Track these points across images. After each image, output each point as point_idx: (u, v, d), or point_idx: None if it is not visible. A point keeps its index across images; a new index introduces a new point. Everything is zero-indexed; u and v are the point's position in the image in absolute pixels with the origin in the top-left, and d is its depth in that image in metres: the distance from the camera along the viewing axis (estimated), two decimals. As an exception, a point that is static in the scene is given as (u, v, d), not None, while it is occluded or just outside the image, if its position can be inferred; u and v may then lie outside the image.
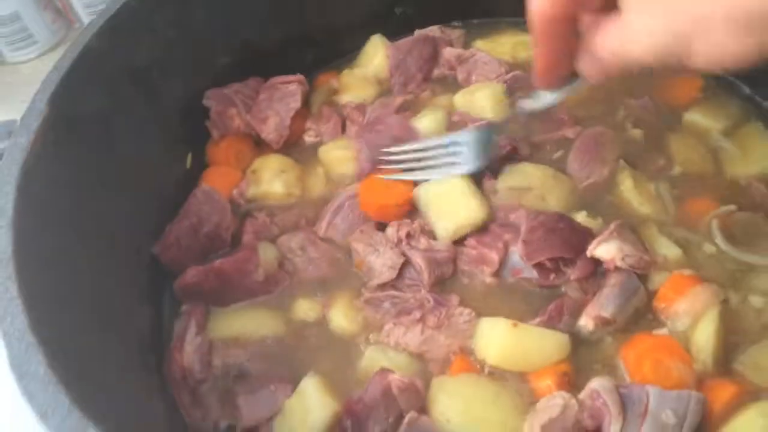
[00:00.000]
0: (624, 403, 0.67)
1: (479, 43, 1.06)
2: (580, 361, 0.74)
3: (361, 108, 0.97)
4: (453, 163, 0.85)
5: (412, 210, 0.85)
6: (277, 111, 0.95)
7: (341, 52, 1.07)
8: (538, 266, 0.78)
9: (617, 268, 0.76)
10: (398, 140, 0.90)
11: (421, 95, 1.00)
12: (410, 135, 0.91)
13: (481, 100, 0.94)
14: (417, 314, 0.76)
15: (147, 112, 0.88)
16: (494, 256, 0.79)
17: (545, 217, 0.79)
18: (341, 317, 0.80)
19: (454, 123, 0.93)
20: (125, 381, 0.69)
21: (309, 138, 0.99)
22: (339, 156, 0.93)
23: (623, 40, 0.60)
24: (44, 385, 0.53)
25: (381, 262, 0.79)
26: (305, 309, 0.81)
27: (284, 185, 0.92)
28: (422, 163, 0.86)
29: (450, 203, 0.82)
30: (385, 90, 1.02)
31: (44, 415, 0.52)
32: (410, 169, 0.87)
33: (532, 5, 0.64)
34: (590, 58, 0.65)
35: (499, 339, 0.74)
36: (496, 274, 0.79)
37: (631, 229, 0.80)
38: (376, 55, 1.03)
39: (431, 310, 0.76)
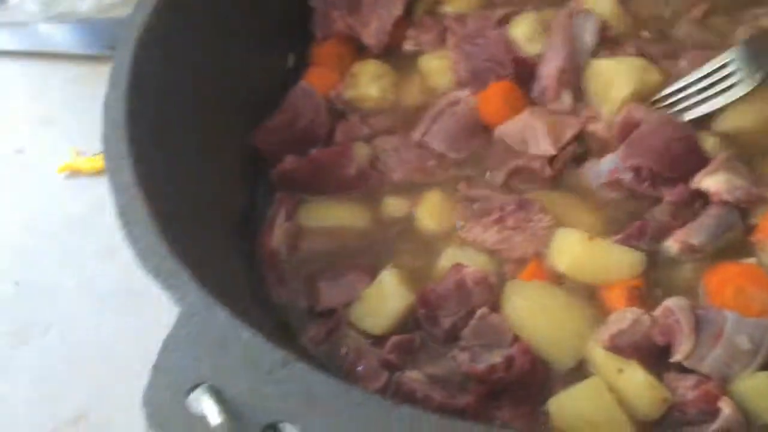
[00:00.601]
0: (698, 324, 0.67)
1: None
2: (657, 281, 0.74)
3: (461, 19, 0.96)
4: (726, 88, 0.82)
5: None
6: (379, 16, 0.96)
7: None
8: (636, 170, 0.77)
9: (720, 201, 0.74)
10: (496, 55, 0.90)
11: (524, 8, 0.98)
12: (509, 50, 0.90)
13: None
14: (497, 214, 0.78)
15: (253, 10, 0.91)
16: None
17: (668, 127, 0.78)
18: (427, 216, 0.82)
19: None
20: (217, 249, 0.74)
21: (408, 46, 0.99)
22: (437, 66, 0.94)
23: None
24: (146, 232, 0.58)
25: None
26: (393, 205, 0.84)
27: (380, 89, 0.93)
28: (693, 99, 0.84)
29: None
30: (487, 1, 1.00)
31: (144, 257, 0.57)
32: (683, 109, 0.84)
33: None
34: None
35: (572, 249, 0.74)
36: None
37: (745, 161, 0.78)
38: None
39: (512, 213, 0.77)
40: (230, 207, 0.83)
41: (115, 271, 0.99)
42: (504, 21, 0.95)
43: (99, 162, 1.09)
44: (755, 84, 0.81)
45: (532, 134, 0.83)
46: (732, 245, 0.75)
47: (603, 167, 0.81)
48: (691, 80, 0.84)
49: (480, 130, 0.88)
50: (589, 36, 0.89)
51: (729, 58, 0.83)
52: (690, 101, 0.83)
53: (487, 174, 0.84)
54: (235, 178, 0.86)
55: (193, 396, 0.49)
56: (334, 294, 0.78)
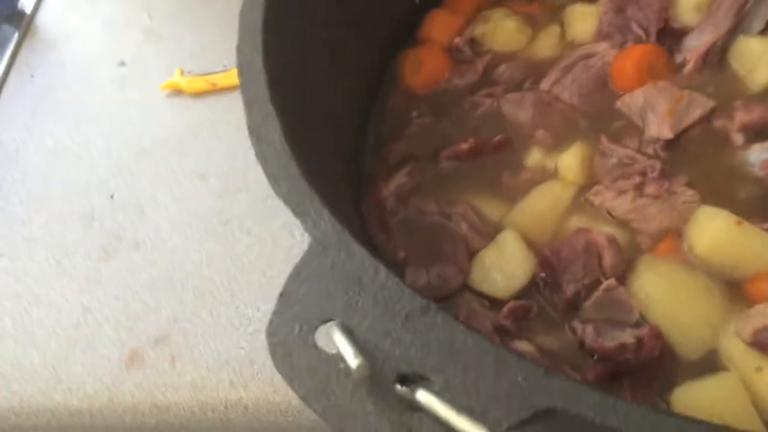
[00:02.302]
0: None
1: None
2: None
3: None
4: None
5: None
6: None
7: None
8: None
9: None
10: (649, 15, 0.82)
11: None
12: (663, 13, 0.83)
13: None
14: (637, 179, 0.71)
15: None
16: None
17: None
18: (569, 170, 0.76)
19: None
20: (333, 175, 0.70)
21: None
22: (582, 11, 0.87)
23: None
24: (277, 153, 0.54)
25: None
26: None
27: (516, 22, 0.88)
28: None
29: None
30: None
31: (275, 180, 0.53)
32: None
33: None
34: None
35: (715, 230, 0.67)
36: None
37: None
38: None
39: (654, 180, 0.71)
40: (347, 133, 0.79)
41: (207, 195, 0.96)
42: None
43: (201, 83, 1.06)
44: None
45: (652, 112, 0.76)
46: None
47: (752, 157, 0.73)
48: None
49: (611, 90, 0.80)
50: (758, 21, 0.80)
51: None
52: None
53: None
54: (353, 113, 0.82)
55: (322, 331, 0.46)
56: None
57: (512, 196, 0.76)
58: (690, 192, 0.70)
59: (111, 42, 1.17)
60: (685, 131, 0.75)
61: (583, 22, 0.87)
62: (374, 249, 0.75)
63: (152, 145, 1.02)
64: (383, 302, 0.46)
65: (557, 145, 0.78)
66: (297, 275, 0.49)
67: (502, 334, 0.67)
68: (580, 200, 0.74)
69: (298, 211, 0.51)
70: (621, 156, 0.74)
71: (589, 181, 0.75)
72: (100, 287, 0.91)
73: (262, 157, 0.54)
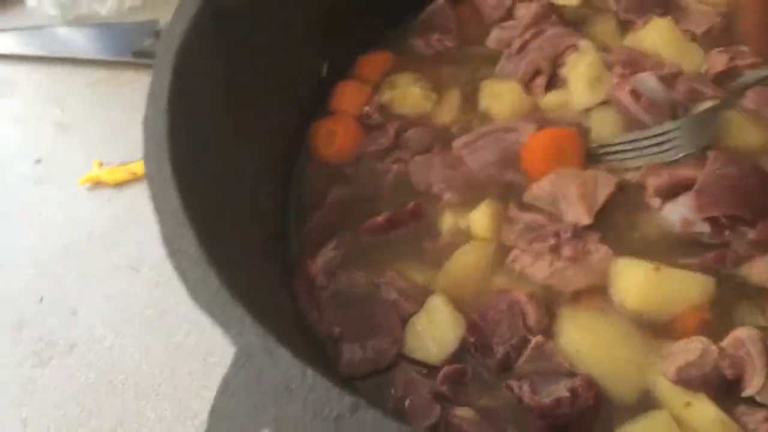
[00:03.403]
0: (769, 355, 0.64)
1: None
2: (727, 308, 0.70)
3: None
4: (665, 150, 0.80)
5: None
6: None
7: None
8: (711, 220, 0.72)
9: None
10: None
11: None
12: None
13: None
14: (551, 240, 0.73)
15: (291, 19, 0.87)
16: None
17: (734, 169, 0.73)
18: (481, 231, 0.78)
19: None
20: (257, 273, 0.71)
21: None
22: (500, 88, 0.90)
23: None
24: (194, 263, 0.55)
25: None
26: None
27: (421, 89, 0.91)
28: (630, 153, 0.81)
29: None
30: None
31: (195, 292, 0.53)
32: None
33: None
34: None
35: (638, 283, 0.70)
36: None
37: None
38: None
39: (569, 240, 0.73)
40: (268, 214, 0.80)
41: (140, 288, 0.95)
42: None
43: (122, 173, 1.05)
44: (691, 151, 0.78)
45: (564, 200, 0.77)
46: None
47: (671, 217, 0.76)
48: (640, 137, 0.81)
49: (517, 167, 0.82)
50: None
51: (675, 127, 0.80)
52: (628, 155, 0.81)
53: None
54: (270, 197, 0.83)
55: (255, 446, 0.46)
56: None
57: (435, 260, 0.78)
58: (603, 248, 0.73)
59: (26, 140, 1.15)
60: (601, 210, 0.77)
61: (498, 97, 0.90)
62: (308, 327, 0.76)
63: (78, 241, 1.01)
64: (312, 406, 0.47)
65: (466, 203, 0.80)
66: (226, 388, 0.49)
67: (442, 400, 0.68)
68: (500, 257, 0.76)
69: (220, 321, 0.51)
70: (528, 221, 0.77)
71: (502, 237, 0.77)
72: (37, 396, 0.89)
73: (180, 269, 0.54)
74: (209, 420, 0.48)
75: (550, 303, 0.72)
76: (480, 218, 0.78)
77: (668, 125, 0.81)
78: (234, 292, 0.53)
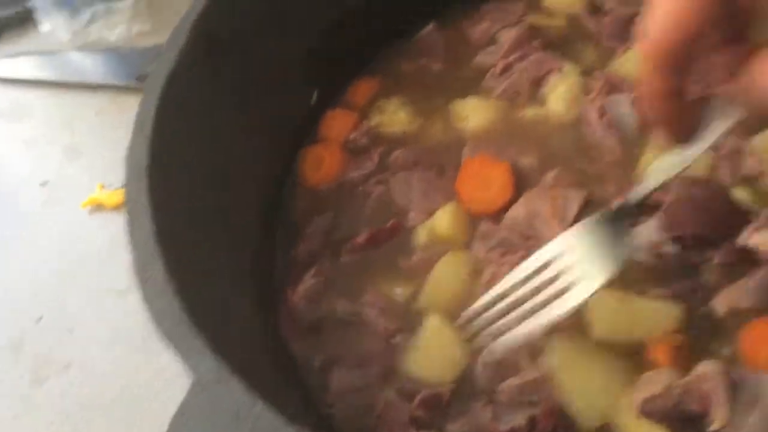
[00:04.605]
0: (735, 389, 0.64)
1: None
2: (697, 336, 0.70)
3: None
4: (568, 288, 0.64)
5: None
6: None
7: None
8: (679, 241, 0.73)
9: None
10: None
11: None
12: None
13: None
14: (522, 252, 0.75)
15: (282, 47, 0.90)
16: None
17: (698, 191, 0.74)
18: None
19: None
20: (237, 300, 0.73)
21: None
22: (476, 105, 0.92)
23: None
24: (161, 292, 0.57)
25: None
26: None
27: (408, 113, 0.93)
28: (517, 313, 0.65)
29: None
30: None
31: (158, 319, 0.55)
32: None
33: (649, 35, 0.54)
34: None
35: (606, 312, 0.71)
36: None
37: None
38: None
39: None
40: (245, 258, 0.81)
41: (132, 310, 0.97)
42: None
43: (120, 196, 1.08)
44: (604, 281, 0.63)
45: (537, 219, 0.79)
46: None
47: (638, 241, 0.75)
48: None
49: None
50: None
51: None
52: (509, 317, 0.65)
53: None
54: (253, 225, 0.84)
55: (204, 472, 0.48)
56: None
57: (413, 276, 0.80)
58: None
59: (33, 163, 1.19)
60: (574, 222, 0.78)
61: (475, 112, 0.92)
62: (292, 359, 0.77)
63: (78, 263, 1.04)
64: (261, 435, 0.49)
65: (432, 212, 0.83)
66: (182, 414, 0.51)
67: (418, 425, 0.69)
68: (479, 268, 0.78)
69: (178, 351, 0.53)
70: (501, 239, 0.78)
71: (469, 238, 0.80)
72: (33, 413, 0.92)
73: (147, 298, 0.57)
74: (164, 444, 0.50)
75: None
76: (442, 219, 0.81)
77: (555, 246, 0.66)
78: (197, 321, 0.55)
